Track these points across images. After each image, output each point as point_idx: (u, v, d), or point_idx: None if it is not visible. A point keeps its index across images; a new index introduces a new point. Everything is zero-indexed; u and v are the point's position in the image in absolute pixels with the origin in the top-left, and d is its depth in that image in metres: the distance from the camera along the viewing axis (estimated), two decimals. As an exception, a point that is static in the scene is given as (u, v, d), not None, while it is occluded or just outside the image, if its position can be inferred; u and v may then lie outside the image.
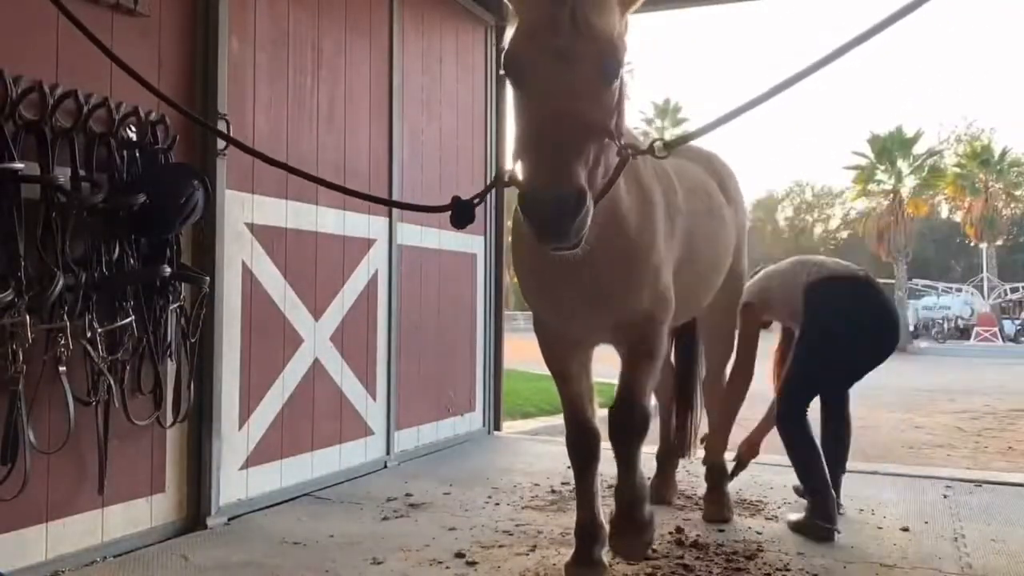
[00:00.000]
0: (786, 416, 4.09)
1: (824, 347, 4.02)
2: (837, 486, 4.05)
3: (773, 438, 4.18)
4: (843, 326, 3.97)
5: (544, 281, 2.94)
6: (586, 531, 3.18)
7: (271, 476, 4.36)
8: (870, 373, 4.12)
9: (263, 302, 4.29)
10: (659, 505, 4.04)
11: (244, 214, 4.16)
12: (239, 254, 4.12)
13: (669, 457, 4.54)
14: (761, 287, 4.34)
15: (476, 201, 2.48)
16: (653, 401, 3.74)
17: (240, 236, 4.13)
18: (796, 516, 4.02)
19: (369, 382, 5.14)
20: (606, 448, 3.08)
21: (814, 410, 4.11)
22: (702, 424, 4.59)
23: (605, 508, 3.27)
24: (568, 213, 1.98)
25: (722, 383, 4.36)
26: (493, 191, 4.42)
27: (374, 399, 5.19)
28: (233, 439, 4.09)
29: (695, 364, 4.59)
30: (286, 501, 4.35)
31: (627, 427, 2.97)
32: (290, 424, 4.48)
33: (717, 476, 4.23)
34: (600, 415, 3.13)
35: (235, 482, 4.10)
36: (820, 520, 3.83)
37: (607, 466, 3.15)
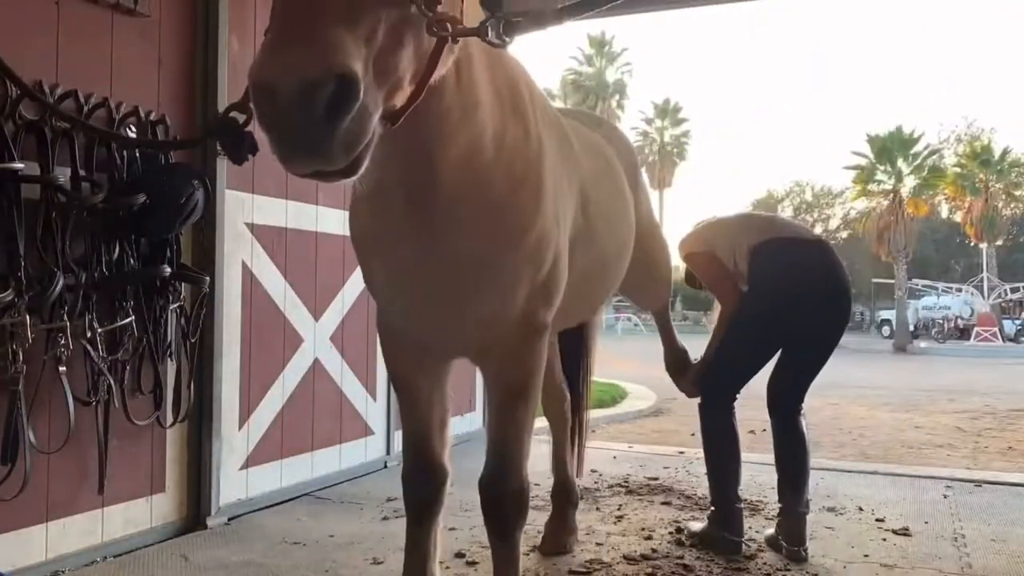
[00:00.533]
0: (711, 398, 3.61)
1: (766, 320, 3.51)
2: (803, 515, 3.54)
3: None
4: (787, 296, 3.46)
5: (381, 255, 2.11)
6: None
7: (271, 476, 4.36)
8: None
9: (263, 302, 4.29)
10: (557, 555, 3.56)
11: (244, 214, 4.16)
12: (239, 254, 4.12)
13: (566, 495, 3.76)
14: (706, 238, 3.83)
15: (244, 119, 1.55)
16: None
17: (240, 236, 4.12)
18: (699, 525, 3.74)
19: (369, 382, 5.13)
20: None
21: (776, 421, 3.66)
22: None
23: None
24: (318, 109, 1.21)
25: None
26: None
27: (374, 399, 5.19)
28: (233, 439, 4.09)
29: (587, 368, 3.91)
30: (286, 501, 4.35)
31: (500, 503, 2.29)
32: (290, 424, 4.47)
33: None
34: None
35: (235, 482, 4.10)
36: (728, 533, 3.54)
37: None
